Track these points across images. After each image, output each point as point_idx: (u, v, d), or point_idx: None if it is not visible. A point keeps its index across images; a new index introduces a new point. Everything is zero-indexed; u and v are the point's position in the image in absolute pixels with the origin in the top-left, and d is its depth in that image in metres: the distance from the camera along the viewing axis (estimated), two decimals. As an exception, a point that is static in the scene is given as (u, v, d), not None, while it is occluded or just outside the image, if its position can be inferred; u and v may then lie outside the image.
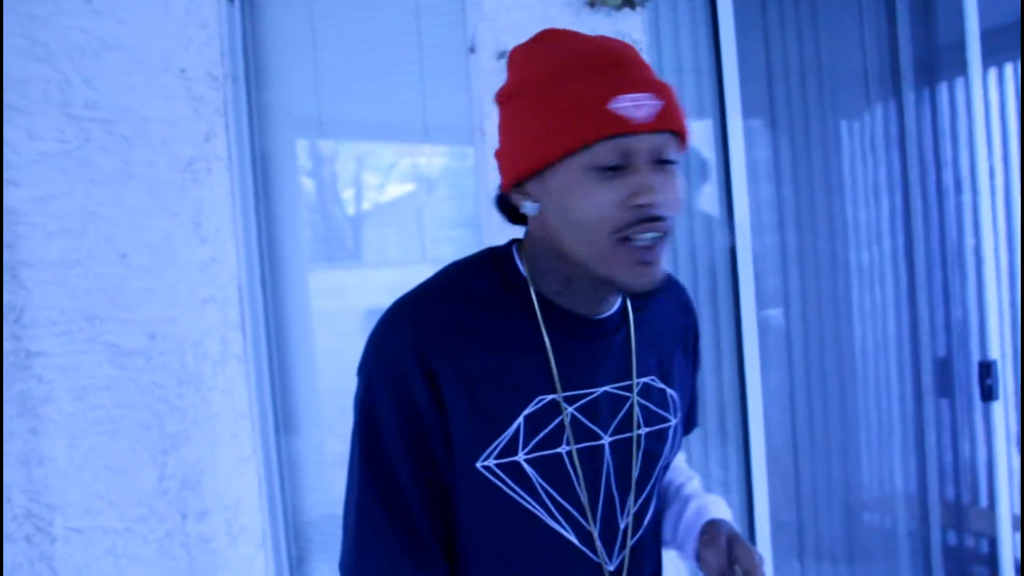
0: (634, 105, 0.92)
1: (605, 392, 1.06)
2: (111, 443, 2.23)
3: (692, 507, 1.18)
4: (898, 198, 2.80)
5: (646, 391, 1.10)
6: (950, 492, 2.87)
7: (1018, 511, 2.74)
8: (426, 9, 2.26)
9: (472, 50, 2.15)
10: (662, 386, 1.13)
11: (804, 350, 2.67)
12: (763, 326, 2.57)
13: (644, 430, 1.09)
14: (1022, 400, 2.85)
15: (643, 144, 0.94)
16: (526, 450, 1.01)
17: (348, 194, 2.52)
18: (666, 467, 1.17)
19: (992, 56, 2.88)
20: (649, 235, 0.95)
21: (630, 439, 1.08)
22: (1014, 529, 2.80)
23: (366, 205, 2.54)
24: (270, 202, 2.44)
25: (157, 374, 2.27)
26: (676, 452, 1.19)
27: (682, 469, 1.29)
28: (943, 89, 2.87)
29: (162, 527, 2.25)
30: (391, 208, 2.54)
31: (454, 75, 2.23)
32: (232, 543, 2.35)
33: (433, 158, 2.43)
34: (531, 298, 1.05)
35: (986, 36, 2.75)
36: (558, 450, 1.02)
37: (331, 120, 2.44)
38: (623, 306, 1.11)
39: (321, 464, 2.49)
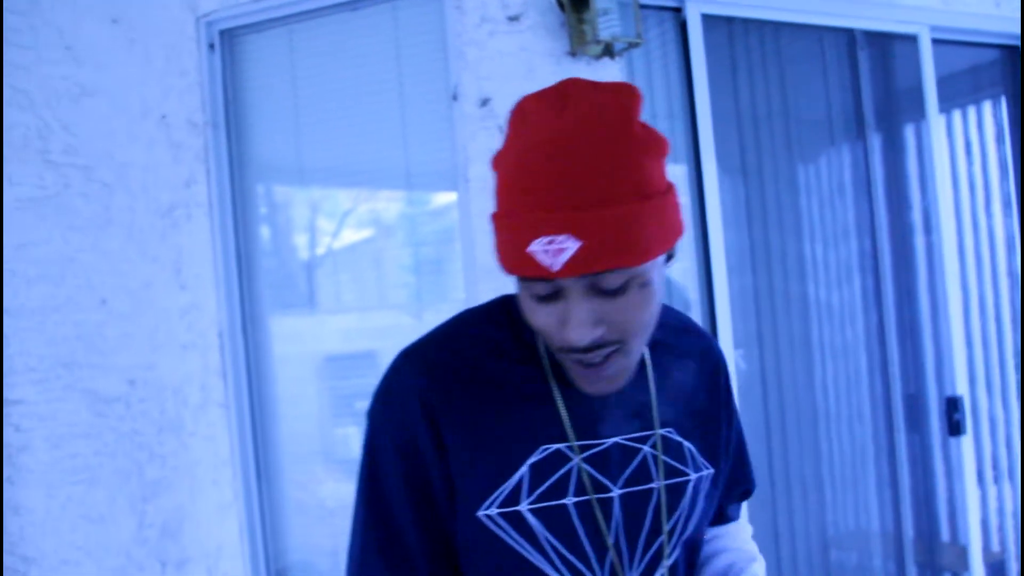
0: (548, 251, 0.85)
1: (616, 443, 1.04)
2: (89, 492, 2.21)
3: None
4: (867, 239, 2.87)
5: (663, 443, 1.07)
6: (925, 528, 2.91)
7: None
8: (408, 58, 2.29)
9: (455, 98, 2.18)
10: (679, 439, 1.09)
11: (778, 390, 2.71)
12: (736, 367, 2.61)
13: (660, 483, 1.05)
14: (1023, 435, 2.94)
15: (568, 280, 0.88)
16: (530, 500, 0.98)
17: (331, 241, 2.51)
18: (692, 523, 1.10)
19: (951, 100, 3.01)
20: (588, 356, 0.92)
21: (642, 492, 1.04)
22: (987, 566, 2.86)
23: (344, 252, 2.53)
24: (250, 248, 2.44)
25: (137, 421, 2.26)
26: (701, 510, 1.11)
27: (742, 551, 1.20)
28: (907, 132, 2.97)
29: (141, 577, 2.22)
30: (364, 252, 2.52)
31: (437, 122, 2.25)
32: (212, 592, 2.32)
33: (418, 206, 2.42)
34: (539, 349, 1.03)
35: (942, 82, 2.88)
36: (563, 501, 0.99)
37: (312, 167, 2.45)
38: (640, 358, 1.07)
39: (302, 510, 2.47)
